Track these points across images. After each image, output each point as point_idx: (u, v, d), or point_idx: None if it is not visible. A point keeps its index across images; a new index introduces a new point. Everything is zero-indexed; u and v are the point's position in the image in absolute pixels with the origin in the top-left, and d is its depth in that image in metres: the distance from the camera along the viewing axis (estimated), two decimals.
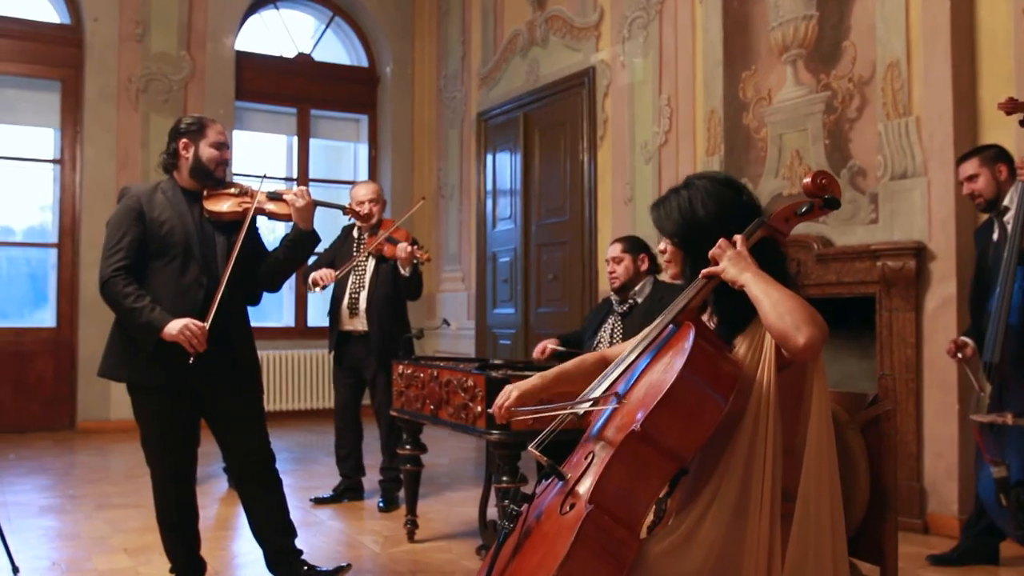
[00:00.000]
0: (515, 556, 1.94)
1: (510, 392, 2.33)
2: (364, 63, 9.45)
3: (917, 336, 4.49)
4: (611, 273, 4.21)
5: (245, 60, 8.66)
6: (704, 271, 2.04)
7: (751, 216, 2.09)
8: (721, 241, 2.01)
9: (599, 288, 6.80)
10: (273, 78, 8.84)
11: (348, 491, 5.13)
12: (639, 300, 4.18)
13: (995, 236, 3.83)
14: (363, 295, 5.06)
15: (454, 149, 8.90)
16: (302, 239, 3.32)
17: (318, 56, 9.24)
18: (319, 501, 4.99)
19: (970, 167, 3.89)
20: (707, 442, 1.91)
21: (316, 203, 3.32)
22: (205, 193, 3.26)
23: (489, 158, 8.31)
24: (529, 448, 2.01)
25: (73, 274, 7.93)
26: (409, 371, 4.03)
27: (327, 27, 9.32)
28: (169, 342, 3.02)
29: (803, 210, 2.07)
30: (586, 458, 1.98)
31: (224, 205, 3.23)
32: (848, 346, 5.28)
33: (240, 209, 3.22)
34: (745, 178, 5.41)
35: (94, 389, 7.73)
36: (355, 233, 5.21)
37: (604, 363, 2.36)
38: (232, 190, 3.28)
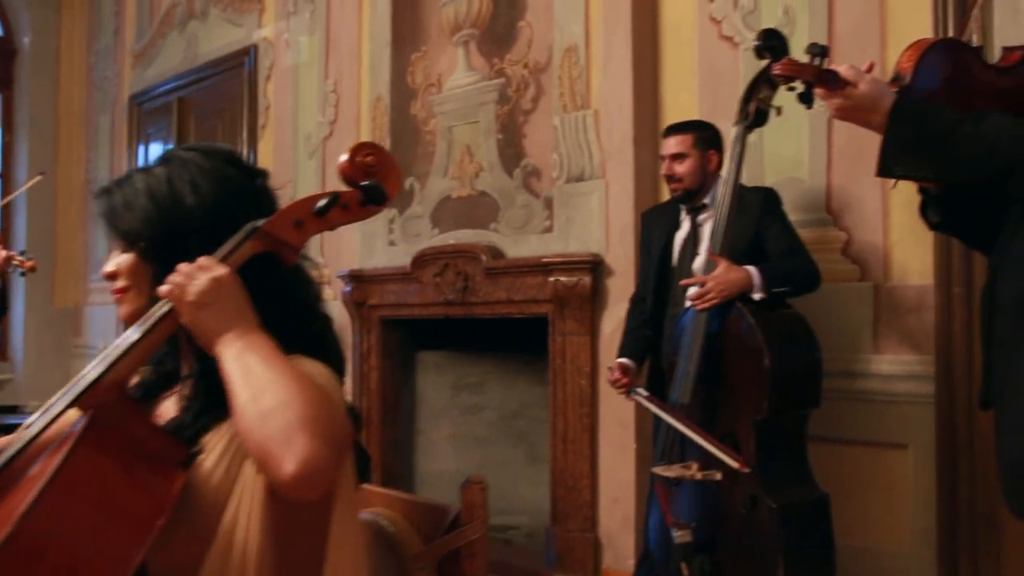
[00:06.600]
0: None
1: None
2: None
3: (592, 364, 3.85)
4: None
5: None
6: (159, 305, 1.17)
7: (267, 211, 1.25)
8: (181, 267, 1.15)
9: None
10: None
11: None
12: None
13: (682, 234, 3.22)
14: None
15: (105, 137, 7.54)
16: None
17: None
18: None
19: (677, 144, 3.17)
20: None
21: None
22: None
23: (141, 148, 7.05)
24: None
25: None
26: None
27: None
28: None
29: (322, 205, 1.23)
30: None
31: None
32: (526, 371, 4.65)
33: None
34: (412, 177, 4.63)
35: None
36: None
37: None
38: None
